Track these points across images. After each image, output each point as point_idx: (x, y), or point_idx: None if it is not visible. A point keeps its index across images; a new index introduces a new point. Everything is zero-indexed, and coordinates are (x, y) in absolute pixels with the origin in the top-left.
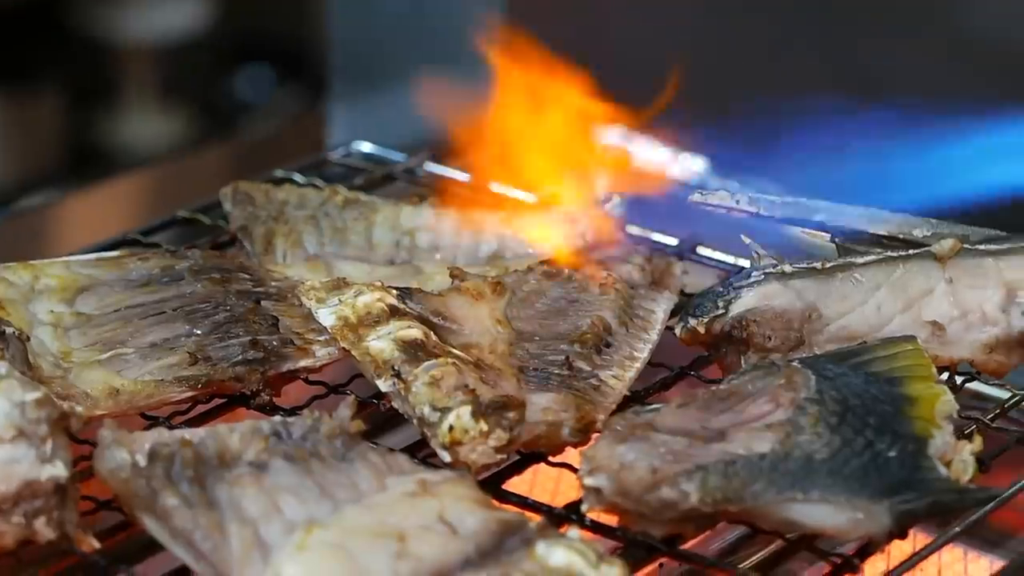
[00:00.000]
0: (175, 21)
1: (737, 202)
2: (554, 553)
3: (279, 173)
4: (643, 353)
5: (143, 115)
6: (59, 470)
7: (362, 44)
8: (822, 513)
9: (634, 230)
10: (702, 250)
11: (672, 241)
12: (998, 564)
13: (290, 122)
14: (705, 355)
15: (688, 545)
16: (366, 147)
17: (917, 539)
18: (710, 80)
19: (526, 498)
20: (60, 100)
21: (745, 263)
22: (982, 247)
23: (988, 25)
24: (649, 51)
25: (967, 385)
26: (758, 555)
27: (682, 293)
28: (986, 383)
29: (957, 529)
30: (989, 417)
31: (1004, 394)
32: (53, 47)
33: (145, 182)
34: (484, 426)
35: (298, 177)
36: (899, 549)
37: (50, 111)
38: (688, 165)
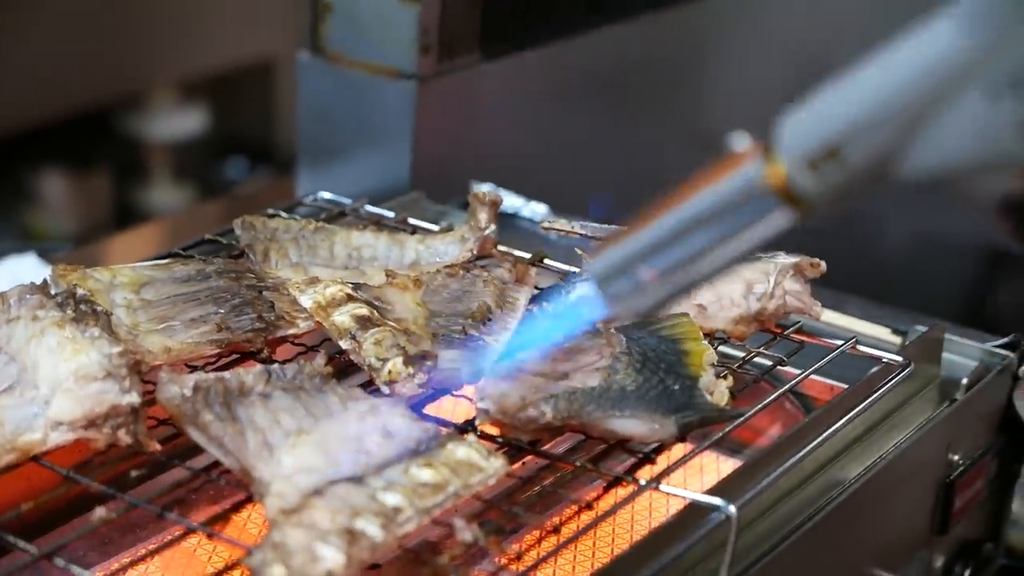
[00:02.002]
0: (184, 126)
1: (572, 227)
2: (459, 449)
3: (271, 210)
4: (512, 325)
5: (163, 189)
6: (134, 398)
7: (320, 134)
8: (631, 425)
9: (502, 247)
10: (547, 261)
11: (527, 255)
12: (737, 463)
13: (265, 188)
14: None
15: (545, 447)
16: (327, 195)
17: (688, 446)
18: (547, 158)
19: (439, 417)
20: (108, 178)
21: (574, 269)
22: None
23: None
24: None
25: (720, 347)
26: (591, 453)
27: (536, 287)
28: (731, 345)
29: (718, 435)
30: (736, 365)
31: (742, 352)
32: (104, 142)
33: (166, 226)
34: (411, 370)
35: (283, 213)
36: (678, 451)
37: (101, 185)
38: (535, 207)
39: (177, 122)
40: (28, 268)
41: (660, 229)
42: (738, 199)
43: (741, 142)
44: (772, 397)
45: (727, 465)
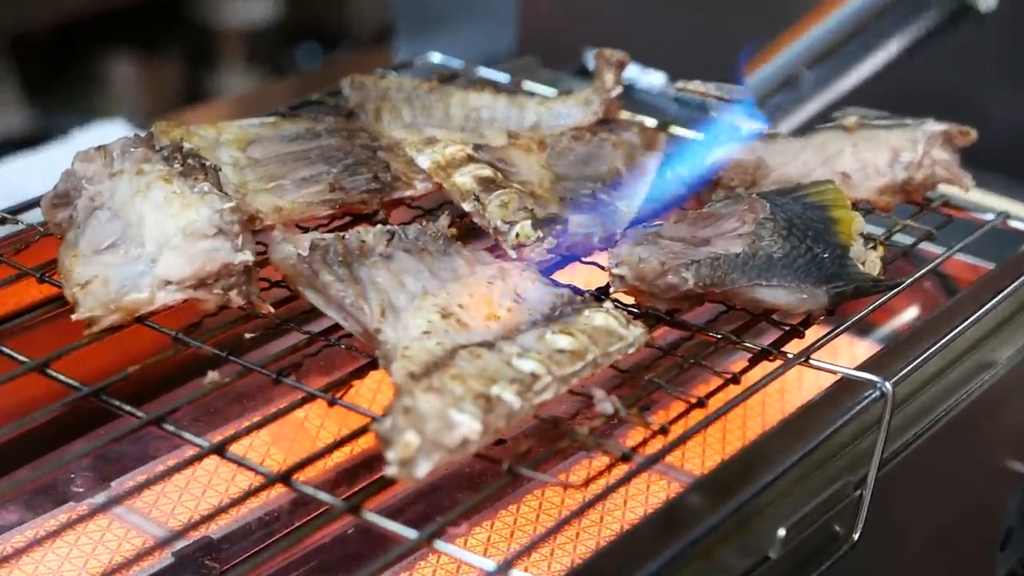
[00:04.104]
0: (253, 12)
1: (708, 89)
2: (597, 316)
3: (380, 71)
4: (643, 191)
5: (234, 74)
6: (247, 256)
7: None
8: (779, 294)
9: (625, 114)
10: (674, 129)
11: (653, 122)
12: (872, 344)
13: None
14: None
15: (683, 317)
16: (436, 57)
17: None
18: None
19: (570, 284)
20: (178, 63)
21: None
22: (875, 123)
23: None
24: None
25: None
26: (733, 324)
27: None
28: (873, 220)
29: (875, 305)
30: (882, 236)
31: (880, 228)
32: (177, 28)
33: (239, 104)
34: (540, 233)
35: (393, 73)
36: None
37: (171, 70)
38: (652, 77)
39: (248, 7)
40: (118, 134)
41: (818, 34)
42: None
43: None
44: (924, 269)
45: (861, 347)
